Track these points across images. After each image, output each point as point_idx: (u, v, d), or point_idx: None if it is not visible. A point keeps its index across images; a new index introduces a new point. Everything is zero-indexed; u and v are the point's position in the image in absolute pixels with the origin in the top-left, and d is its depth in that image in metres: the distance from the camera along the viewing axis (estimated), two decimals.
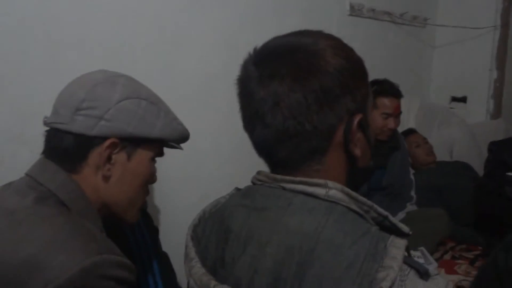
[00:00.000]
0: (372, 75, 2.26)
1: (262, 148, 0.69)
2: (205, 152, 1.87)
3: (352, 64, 0.67)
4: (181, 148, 1.00)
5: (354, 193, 0.66)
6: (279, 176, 0.68)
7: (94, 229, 0.79)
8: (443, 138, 2.85)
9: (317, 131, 0.64)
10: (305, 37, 0.68)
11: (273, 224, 0.64)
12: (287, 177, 0.67)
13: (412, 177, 2.27)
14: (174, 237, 1.35)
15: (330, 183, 0.65)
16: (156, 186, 1.69)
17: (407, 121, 2.89)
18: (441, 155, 2.71)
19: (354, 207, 0.66)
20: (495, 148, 2.03)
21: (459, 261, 2.04)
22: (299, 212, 0.63)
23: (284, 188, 0.67)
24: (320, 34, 0.69)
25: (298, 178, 0.66)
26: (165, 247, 1.31)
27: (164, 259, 1.19)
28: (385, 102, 2.00)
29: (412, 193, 2.18)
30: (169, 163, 1.37)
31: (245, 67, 0.69)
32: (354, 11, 2.49)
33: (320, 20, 2.36)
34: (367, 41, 2.65)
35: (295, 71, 0.64)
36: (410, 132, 2.65)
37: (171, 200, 1.76)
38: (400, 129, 2.70)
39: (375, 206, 0.68)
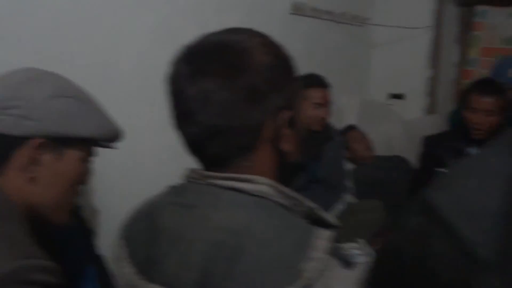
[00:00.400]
0: (316, 72, 2.29)
1: (192, 146, 0.69)
2: (146, 151, 1.84)
3: (281, 62, 0.69)
4: (115, 148, 0.98)
5: (282, 188, 0.68)
6: (209, 173, 0.68)
7: (17, 233, 0.76)
8: (382, 134, 2.96)
9: (246, 128, 0.65)
10: (235, 34, 0.68)
11: (201, 220, 0.64)
12: (217, 174, 0.67)
13: (347, 167, 2.35)
14: (113, 238, 1.32)
15: (259, 179, 0.66)
16: (94, 186, 1.65)
17: (347, 118, 2.98)
18: (380, 150, 2.81)
19: (283, 201, 0.67)
20: (428, 142, 2.13)
21: None
22: (228, 208, 0.64)
23: (214, 185, 0.67)
24: (250, 32, 0.70)
25: (227, 175, 0.67)
26: (104, 249, 1.28)
27: (100, 262, 1.16)
28: (314, 93, 2.08)
29: (348, 183, 2.25)
30: (108, 162, 1.33)
31: (175, 64, 0.69)
32: (296, 9, 2.53)
33: (263, 18, 2.38)
34: (309, 39, 2.71)
35: (225, 68, 0.64)
36: (350, 128, 2.72)
37: (110, 201, 1.72)
38: (341, 125, 2.79)
39: (304, 199, 0.70)
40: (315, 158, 2.19)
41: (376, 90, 3.40)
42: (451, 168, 0.39)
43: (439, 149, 2.07)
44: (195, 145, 0.68)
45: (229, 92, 0.63)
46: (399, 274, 0.37)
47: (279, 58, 0.68)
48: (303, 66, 2.88)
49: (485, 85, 2.03)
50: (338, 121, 2.91)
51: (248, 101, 0.63)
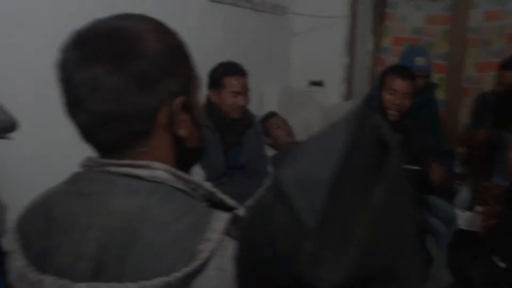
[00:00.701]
0: (234, 61, 2.31)
1: (84, 133, 0.67)
2: (52, 141, 1.76)
3: (173, 48, 0.69)
4: (9, 138, 0.93)
5: (180, 173, 0.69)
6: (104, 160, 0.67)
7: None
8: (302, 120, 3.06)
9: (139, 114, 0.65)
10: (126, 20, 0.67)
11: (96, 208, 0.64)
12: (112, 161, 0.67)
13: (267, 153, 2.41)
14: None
15: (156, 164, 0.66)
16: None
17: (268, 105, 3.04)
18: (300, 136, 2.91)
19: (180, 186, 0.68)
20: None
21: None
22: (123, 194, 0.64)
23: (109, 172, 0.66)
24: (142, 18, 0.69)
25: (123, 161, 0.66)
26: None
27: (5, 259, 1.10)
28: (232, 81, 2.10)
29: (269, 168, 2.31)
30: (12, 155, 1.27)
31: (64, 50, 0.67)
32: None
33: (180, 6, 2.36)
34: (228, 27, 2.72)
35: (114, 54, 0.63)
36: (271, 114, 2.79)
37: (15, 195, 1.63)
38: (262, 113, 2.84)
39: (203, 183, 0.71)
40: (236, 145, 2.22)
41: (296, 78, 3.49)
42: (298, 145, 0.42)
43: None
44: (87, 133, 0.67)
45: (118, 79, 0.62)
46: (252, 247, 0.40)
47: (171, 44, 0.68)
48: (223, 54, 2.93)
49: (403, 69, 2.17)
50: (259, 109, 2.97)
51: (139, 87, 0.63)
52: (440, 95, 3.27)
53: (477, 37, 3.17)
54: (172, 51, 0.68)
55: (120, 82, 0.62)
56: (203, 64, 2.51)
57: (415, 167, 1.96)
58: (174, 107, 0.67)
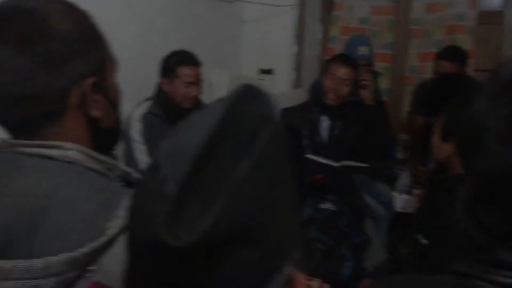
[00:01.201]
0: (183, 48, 2.30)
1: None
2: None
3: (83, 29, 0.70)
4: None
5: (94, 153, 0.70)
6: (16, 141, 0.68)
7: None
8: None
9: (48, 95, 0.66)
10: (33, 0, 0.67)
11: (4, 188, 0.64)
12: (24, 142, 0.67)
13: None
14: None
15: (67, 145, 0.68)
16: None
17: (217, 94, 3.06)
18: None
19: (95, 166, 0.70)
20: (286, 114, 2.28)
21: None
22: (33, 174, 0.65)
23: (20, 153, 0.67)
24: None
25: (34, 142, 0.67)
26: None
27: None
28: (185, 71, 2.10)
29: None
30: None
31: None
32: None
33: None
34: (176, 14, 2.70)
35: (21, 34, 0.64)
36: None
37: None
38: (212, 100, 2.85)
39: (119, 164, 0.73)
40: None
41: (246, 66, 3.51)
42: (180, 123, 0.44)
43: (296, 119, 2.23)
44: None
45: (24, 59, 0.63)
46: (130, 218, 0.42)
47: (81, 25, 0.69)
48: (171, 41, 2.90)
49: (344, 57, 2.26)
50: (208, 96, 2.97)
51: (46, 68, 0.64)
52: (385, 83, 3.40)
53: (419, 28, 3.29)
54: (82, 32, 0.69)
55: (27, 63, 0.63)
56: (150, 51, 2.52)
57: (364, 165, 2.03)
58: (85, 88, 0.69)
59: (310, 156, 2.00)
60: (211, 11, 3.04)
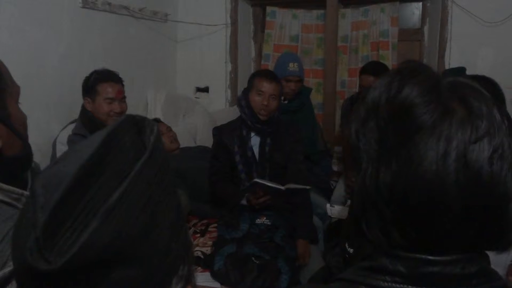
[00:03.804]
0: (114, 69, 2.28)
1: None
2: None
3: None
4: None
5: None
6: None
7: None
8: (188, 126, 3.11)
9: None
10: None
11: None
12: None
13: None
14: None
15: None
16: None
17: (153, 112, 3.04)
18: (186, 142, 2.95)
19: (0, 196, 0.68)
20: (217, 132, 2.31)
21: (198, 235, 2.27)
22: None
23: None
24: None
25: None
26: None
27: None
28: (106, 87, 2.09)
29: None
30: None
31: None
32: (87, 3, 2.47)
33: (51, 11, 2.27)
34: (105, 34, 2.67)
35: None
36: (155, 121, 2.79)
37: None
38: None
39: (27, 193, 0.72)
40: None
41: (183, 84, 3.52)
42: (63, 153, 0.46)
43: (226, 137, 2.26)
44: None
45: None
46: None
47: None
48: (101, 61, 2.84)
49: (268, 73, 2.30)
50: (144, 115, 2.95)
51: None
52: (318, 98, 3.52)
53: (346, 44, 3.45)
54: None
55: None
56: (79, 71, 2.47)
57: (308, 187, 2.09)
58: None
59: (258, 180, 2.03)
60: (144, 30, 3.04)
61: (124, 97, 2.19)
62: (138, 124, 0.47)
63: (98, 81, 2.09)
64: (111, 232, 0.38)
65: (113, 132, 0.43)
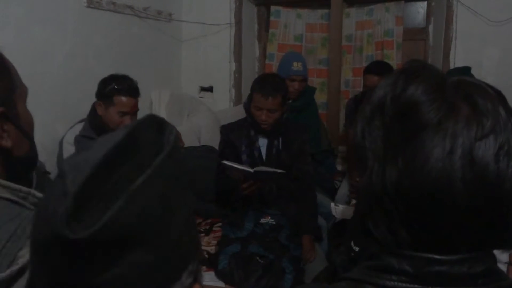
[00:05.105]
0: (119, 68, 2.28)
1: None
2: None
3: None
4: None
5: (5, 182, 0.69)
6: None
7: None
8: (192, 125, 3.11)
9: None
10: None
11: None
12: None
13: None
14: None
15: None
16: None
17: (158, 112, 3.04)
18: (191, 141, 2.95)
19: (7, 195, 0.69)
20: (224, 130, 2.31)
21: (202, 234, 2.28)
22: None
23: None
24: None
25: None
26: None
27: None
28: (122, 101, 2.04)
29: None
30: None
31: None
32: (92, 3, 2.48)
33: (55, 11, 2.28)
34: (110, 34, 2.68)
35: None
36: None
37: None
38: None
39: (34, 191, 0.72)
40: None
41: (187, 84, 3.53)
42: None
43: (234, 135, 2.26)
44: None
45: None
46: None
47: None
48: (107, 61, 2.84)
49: (267, 86, 2.11)
50: None
51: None
52: (322, 98, 3.51)
53: (351, 44, 3.45)
54: None
55: None
56: (83, 70, 2.47)
57: (279, 171, 2.01)
58: None
59: (226, 162, 1.99)
60: (149, 30, 3.04)
61: (137, 110, 2.15)
62: (159, 124, 0.48)
63: (116, 92, 2.04)
64: (134, 213, 0.40)
65: (136, 128, 0.44)
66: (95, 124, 2.09)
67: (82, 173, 0.40)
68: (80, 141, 2.04)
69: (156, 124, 0.48)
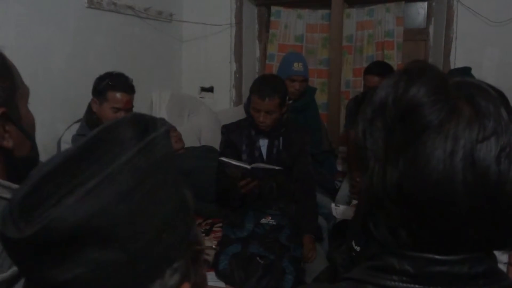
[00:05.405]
0: (120, 68, 2.29)
1: None
2: None
3: None
4: None
5: (5, 182, 0.70)
6: None
7: None
8: (193, 126, 3.11)
9: None
10: None
11: None
12: None
13: None
14: None
15: None
16: None
17: (158, 112, 3.05)
18: (191, 141, 2.95)
19: (7, 195, 0.69)
20: (225, 130, 2.31)
21: (202, 234, 2.27)
22: None
23: None
24: None
25: None
26: None
27: None
28: (116, 96, 2.06)
29: None
30: None
31: None
32: (93, 3, 2.48)
33: (56, 11, 2.28)
34: (111, 34, 2.68)
35: None
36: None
37: None
38: None
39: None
40: None
41: (188, 84, 3.53)
42: None
43: (235, 135, 2.26)
44: None
45: None
46: None
47: None
48: (108, 62, 2.84)
49: (264, 88, 2.09)
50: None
51: None
52: (323, 98, 3.51)
53: (351, 44, 3.45)
54: None
55: None
56: (84, 70, 2.47)
57: (277, 167, 2.02)
58: None
59: (223, 159, 1.99)
60: (150, 30, 3.05)
61: (132, 107, 2.16)
62: (145, 122, 0.47)
63: (110, 88, 2.06)
64: (87, 211, 0.39)
65: (111, 126, 0.44)
66: (91, 121, 2.10)
67: (41, 172, 0.40)
68: (77, 140, 2.04)
69: (140, 123, 0.47)
